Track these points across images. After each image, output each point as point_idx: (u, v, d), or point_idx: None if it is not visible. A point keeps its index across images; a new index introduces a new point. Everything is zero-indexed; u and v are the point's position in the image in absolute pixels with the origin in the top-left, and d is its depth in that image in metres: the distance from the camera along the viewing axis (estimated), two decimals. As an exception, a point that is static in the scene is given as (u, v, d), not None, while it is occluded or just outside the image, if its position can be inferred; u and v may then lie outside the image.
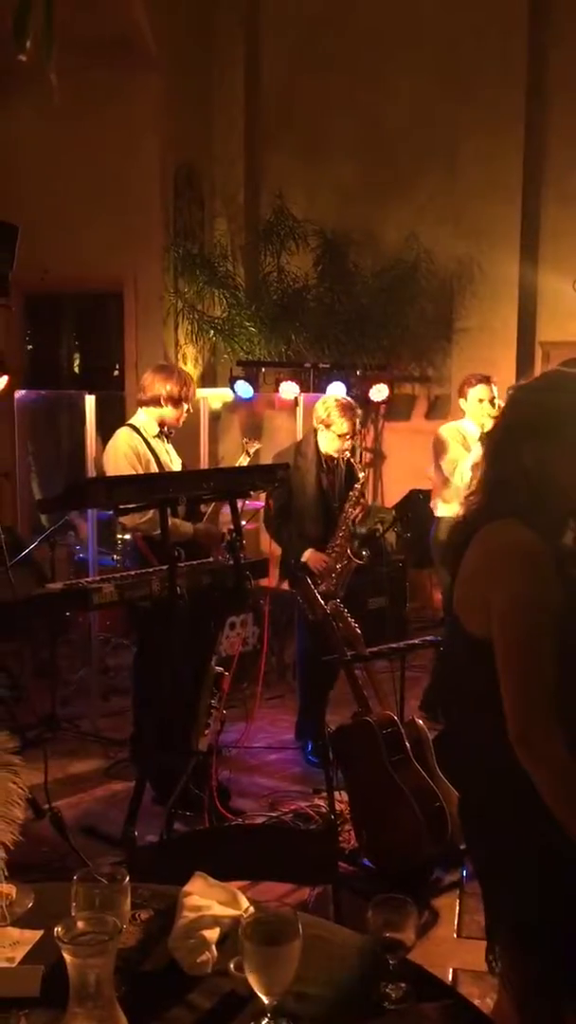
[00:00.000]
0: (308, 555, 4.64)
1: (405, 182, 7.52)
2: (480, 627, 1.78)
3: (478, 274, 7.47)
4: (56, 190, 7.04)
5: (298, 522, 4.69)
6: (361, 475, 4.67)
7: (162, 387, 4.30)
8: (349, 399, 4.86)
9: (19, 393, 6.25)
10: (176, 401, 4.32)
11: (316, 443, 4.72)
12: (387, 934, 1.51)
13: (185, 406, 4.37)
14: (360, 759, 3.61)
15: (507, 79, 7.26)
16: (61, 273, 7.19)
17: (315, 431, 4.73)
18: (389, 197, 7.56)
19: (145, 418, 4.36)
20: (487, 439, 1.97)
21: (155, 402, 4.32)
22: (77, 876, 1.55)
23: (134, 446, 4.24)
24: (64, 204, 7.05)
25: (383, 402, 7.29)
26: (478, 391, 5.09)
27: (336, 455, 4.69)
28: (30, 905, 1.74)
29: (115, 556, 5.87)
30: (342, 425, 4.58)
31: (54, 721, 5.11)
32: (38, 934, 1.65)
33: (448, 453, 5.10)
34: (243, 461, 5.17)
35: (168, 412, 4.34)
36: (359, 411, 4.76)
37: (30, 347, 8.12)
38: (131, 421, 4.41)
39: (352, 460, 4.71)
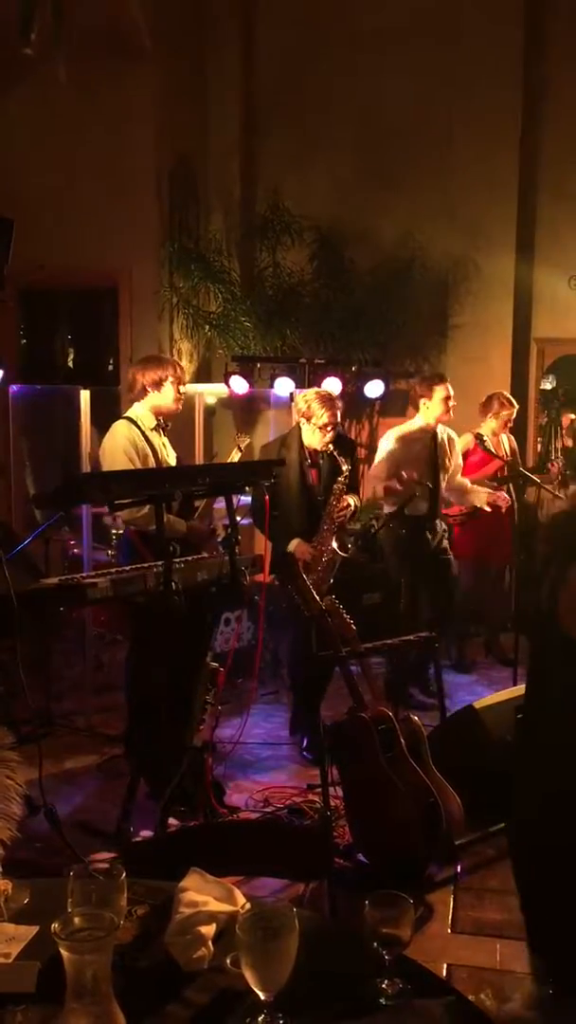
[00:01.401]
0: (294, 545, 4.64)
1: (401, 178, 7.50)
2: None
3: (473, 270, 7.47)
4: (50, 184, 7.01)
5: (283, 515, 4.68)
6: (345, 468, 4.65)
7: (142, 376, 4.30)
8: (329, 391, 4.88)
9: (13, 388, 6.24)
10: (158, 384, 4.30)
11: (300, 437, 4.72)
12: (383, 930, 1.51)
13: (170, 388, 4.33)
14: (355, 755, 3.61)
15: (503, 75, 7.26)
16: (56, 267, 7.16)
17: (299, 425, 4.75)
18: (385, 193, 7.54)
19: (142, 411, 4.35)
20: None
21: (142, 393, 4.32)
22: (73, 872, 1.55)
23: (132, 439, 4.23)
24: (58, 198, 7.02)
25: (378, 398, 7.28)
26: (443, 390, 5.28)
27: (320, 448, 4.69)
28: (26, 901, 1.74)
29: (109, 551, 5.87)
30: (322, 416, 4.60)
31: (48, 717, 5.11)
32: (34, 930, 1.65)
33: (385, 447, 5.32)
34: (235, 456, 5.16)
35: (158, 399, 4.32)
36: (340, 403, 4.78)
37: (24, 342, 8.09)
38: (128, 414, 4.39)
39: (336, 453, 4.69)
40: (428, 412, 5.34)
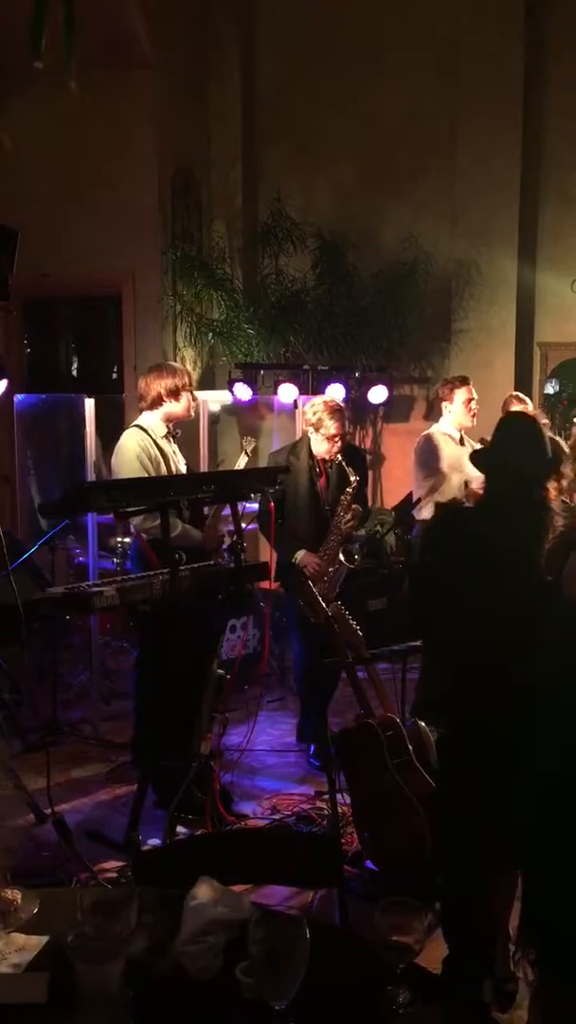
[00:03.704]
0: (301, 556, 4.63)
1: (403, 183, 7.52)
2: None
3: (476, 275, 7.47)
4: (53, 193, 7.04)
5: (291, 523, 4.68)
6: (353, 479, 4.65)
7: (158, 384, 4.30)
8: (337, 401, 4.87)
9: (18, 397, 6.25)
10: (175, 393, 4.31)
11: (309, 446, 4.72)
12: (394, 938, 1.50)
13: (186, 396, 4.35)
14: (363, 762, 3.61)
15: (504, 79, 7.26)
16: (59, 276, 7.19)
17: (307, 433, 4.75)
18: (387, 198, 7.56)
19: (153, 419, 4.35)
20: None
21: (158, 402, 4.32)
22: (83, 882, 1.54)
23: (144, 447, 4.23)
24: (62, 207, 7.05)
25: (382, 404, 7.28)
26: (464, 392, 5.19)
27: (328, 457, 4.69)
28: (35, 911, 1.74)
29: (115, 559, 5.87)
30: (331, 427, 4.60)
31: (55, 725, 5.11)
32: (43, 940, 1.64)
33: (443, 456, 5.16)
34: (242, 460, 5.17)
35: (173, 407, 4.33)
36: (347, 412, 4.78)
37: (28, 351, 8.11)
38: (139, 422, 4.39)
39: (344, 463, 4.69)
40: (451, 415, 5.25)
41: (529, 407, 5.89)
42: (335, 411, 4.64)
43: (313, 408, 4.71)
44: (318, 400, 4.82)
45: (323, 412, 4.63)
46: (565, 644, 1.91)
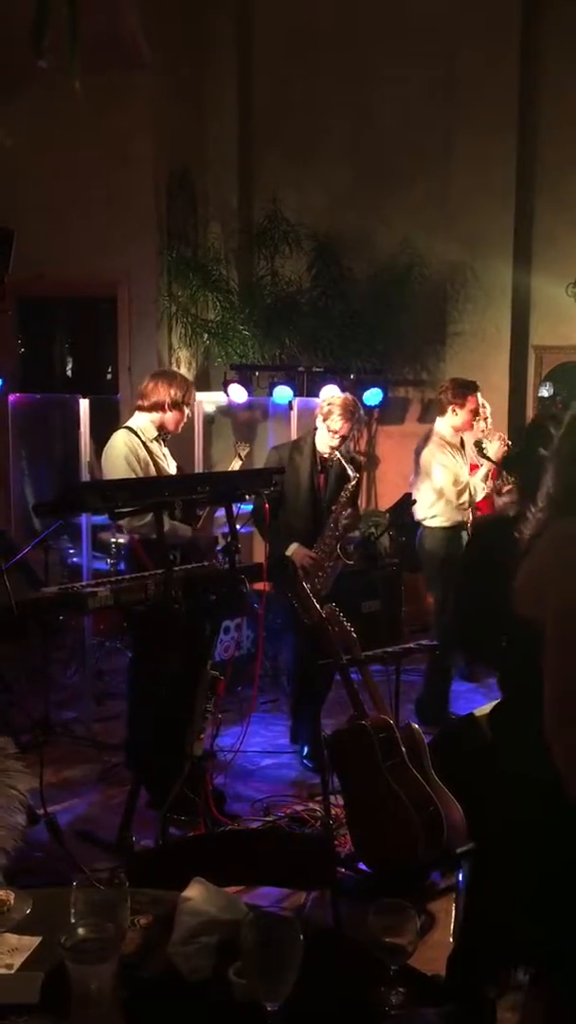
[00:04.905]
0: (294, 550, 4.62)
1: (398, 186, 7.53)
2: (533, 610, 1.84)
3: (472, 278, 7.48)
4: (49, 193, 7.03)
5: (286, 517, 4.67)
6: (354, 475, 4.64)
7: (166, 393, 4.31)
8: (355, 400, 4.83)
9: (12, 397, 6.25)
10: (179, 406, 4.33)
11: (313, 442, 4.72)
12: (387, 939, 1.51)
13: (187, 411, 4.39)
14: (356, 763, 3.61)
15: (500, 83, 7.27)
16: (54, 276, 7.18)
17: (314, 429, 4.74)
18: (382, 201, 7.57)
19: (143, 421, 4.36)
20: (554, 457, 1.99)
21: (159, 408, 4.33)
22: (76, 882, 1.54)
23: (133, 449, 4.24)
24: (57, 207, 7.04)
25: (377, 406, 7.29)
26: (472, 401, 5.25)
27: (328, 452, 4.68)
28: (28, 911, 1.74)
29: (109, 560, 5.87)
30: (337, 422, 4.59)
31: (48, 725, 5.10)
32: (36, 940, 1.65)
33: (439, 461, 5.17)
34: (235, 464, 5.17)
35: (170, 417, 4.35)
36: (361, 415, 4.78)
37: (23, 350, 8.10)
38: (128, 424, 4.40)
39: (344, 462, 4.69)
40: (455, 419, 5.27)
41: (487, 411, 5.89)
42: (347, 409, 4.62)
43: (329, 399, 4.71)
44: (338, 394, 4.83)
45: (336, 406, 4.62)
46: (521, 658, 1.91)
